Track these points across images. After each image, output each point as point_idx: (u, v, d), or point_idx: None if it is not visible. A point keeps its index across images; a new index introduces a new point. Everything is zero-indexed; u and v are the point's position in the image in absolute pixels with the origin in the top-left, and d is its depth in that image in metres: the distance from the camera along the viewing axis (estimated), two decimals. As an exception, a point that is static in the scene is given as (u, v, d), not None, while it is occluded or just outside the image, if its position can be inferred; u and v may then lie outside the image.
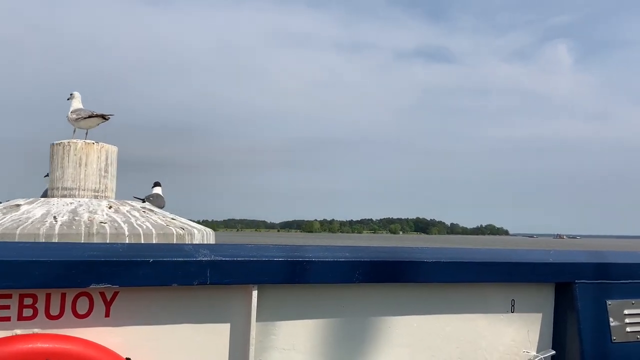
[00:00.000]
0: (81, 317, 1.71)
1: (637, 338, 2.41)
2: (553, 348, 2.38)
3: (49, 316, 1.67)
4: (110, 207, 6.88)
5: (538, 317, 2.42)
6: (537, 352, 2.34)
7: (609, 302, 2.40)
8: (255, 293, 1.91)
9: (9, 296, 1.63)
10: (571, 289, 2.37)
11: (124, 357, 1.71)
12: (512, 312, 2.36)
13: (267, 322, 1.97)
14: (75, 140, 7.51)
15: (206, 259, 1.82)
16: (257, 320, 1.92)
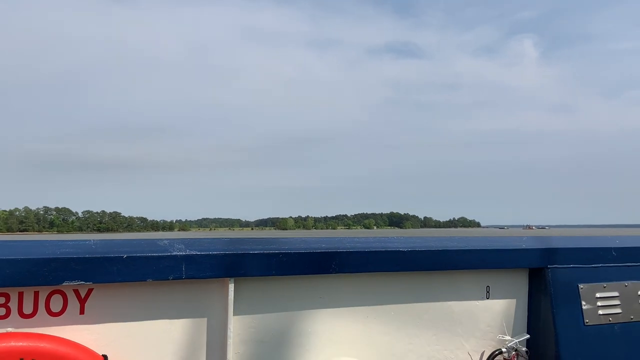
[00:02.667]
0: (55, 315, 1.69)
1: (609, 320, 2.48)
2: (528, 332, 2.43)
3: (22, 315, 1.64)
4: None
5: (513, 302, 2.47)
6: (513, 337, 2.39)
7: (581, 286, 2.46)
8: (232, 286, 1.90)
9: None
10: (544, 274, 2.42)
11: (100, 354, 1.69)
12: (487, 298, 2.41)
13: (245, 315, 1.97)
14: None
15: (181, 253, 1.80)
16: (234, 314, 1.92)
